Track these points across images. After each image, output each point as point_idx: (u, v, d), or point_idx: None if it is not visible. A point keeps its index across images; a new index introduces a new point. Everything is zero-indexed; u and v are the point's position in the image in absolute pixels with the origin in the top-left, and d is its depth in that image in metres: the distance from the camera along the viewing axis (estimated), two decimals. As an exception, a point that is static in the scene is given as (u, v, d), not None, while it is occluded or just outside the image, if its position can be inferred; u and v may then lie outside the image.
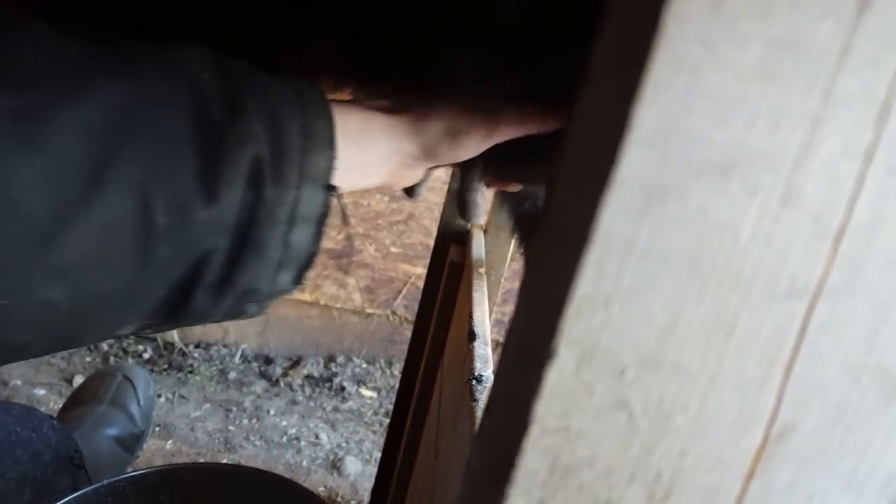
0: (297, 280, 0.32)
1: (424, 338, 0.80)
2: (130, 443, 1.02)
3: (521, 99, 0.39)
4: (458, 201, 0.44)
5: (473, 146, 0.38)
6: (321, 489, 1.12)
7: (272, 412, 1.26)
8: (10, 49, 0.25)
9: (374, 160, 0.35)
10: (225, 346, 1.40)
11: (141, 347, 1.36)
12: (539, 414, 0.16)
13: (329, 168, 0.31)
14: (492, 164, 0.43)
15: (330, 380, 1.36)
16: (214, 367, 1.35)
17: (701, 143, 0.14)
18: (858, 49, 0.14)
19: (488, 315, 0.62)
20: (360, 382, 1.37)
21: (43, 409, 1.05)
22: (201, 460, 1.11)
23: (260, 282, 0.30)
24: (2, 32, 0.25)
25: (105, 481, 0.70)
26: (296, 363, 1.39)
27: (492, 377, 0.52)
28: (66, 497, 0.68)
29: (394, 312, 1.39)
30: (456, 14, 0.36)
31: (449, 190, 0.78)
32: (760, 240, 0.15)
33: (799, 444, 0.17)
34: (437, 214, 0.90)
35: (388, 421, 0.96)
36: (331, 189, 0.31)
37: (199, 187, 0.27)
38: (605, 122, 0.15)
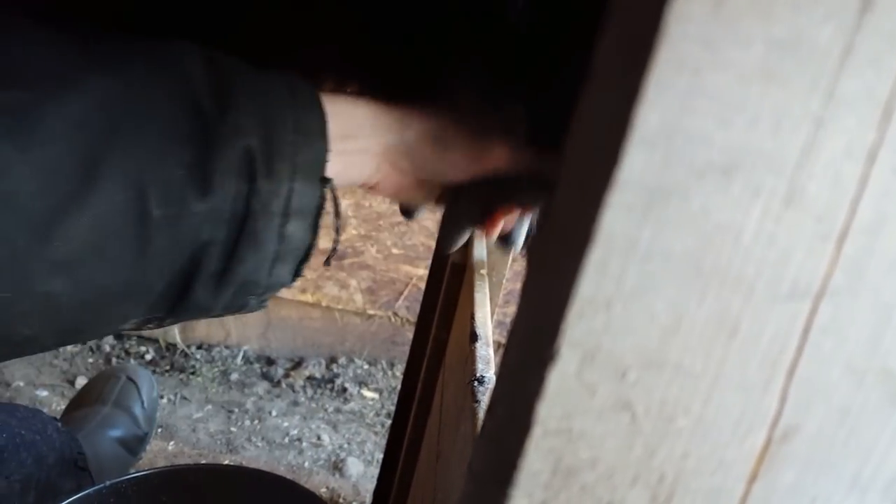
0: (296, 273, 0.33)
1: (426, 339, 0.80)
2: (134, 444, 1.02)
3: (516, 129, 0.39)
4: (440, 230, 0.43)
5: (458, 163, 0.38)
6: (323, 490, 1.12)
7: (274, 413, 1.26)
8: (2, 47, 0.25)
9: (360, 149, 0.35)
10: (227, 347, 1.40)
11: (143, 348, 1.36)
12: (541, 415, 0.16)
13: (322, 161, 0.31)
14: (481, 203, 0.42)
15: (332, 381, 1.36)
16: (216, 369, 1.35)
17: (703, 143, 0.14)
18: (860, 50, 0.14)
19: (490, 316, 0.62)
20: (361, 383, 1.37)
21: (45, 410, 1.05)
22: (203, 461, 1.11)
23: (258, 274, 0.31)
24: None
25: (108, 482, 0.70)
26: (297, 364, 1.39)
27: (494, 378, 0.52)
28: (69, 498, 0.68)
29: (395, 314, 1.39)
30: (461, 14, 0.36)
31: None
32: (763, 241, 0.15)
33: (802, 446, 0.17)
34: (439, 216, 0.89)
35: (389, 422, 0.96)
36: (325, 182, 0.31)
37: (192, 180, 0.27)
38: (607, 122, 0.15)
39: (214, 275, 0.30)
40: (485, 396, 0.50)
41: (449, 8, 0.37)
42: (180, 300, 0.30)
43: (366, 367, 1.41)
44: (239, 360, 1.38)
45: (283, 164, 0.29)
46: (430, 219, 1.31)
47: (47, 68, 0.25)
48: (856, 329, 0.16)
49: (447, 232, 0.43)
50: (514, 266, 0.80)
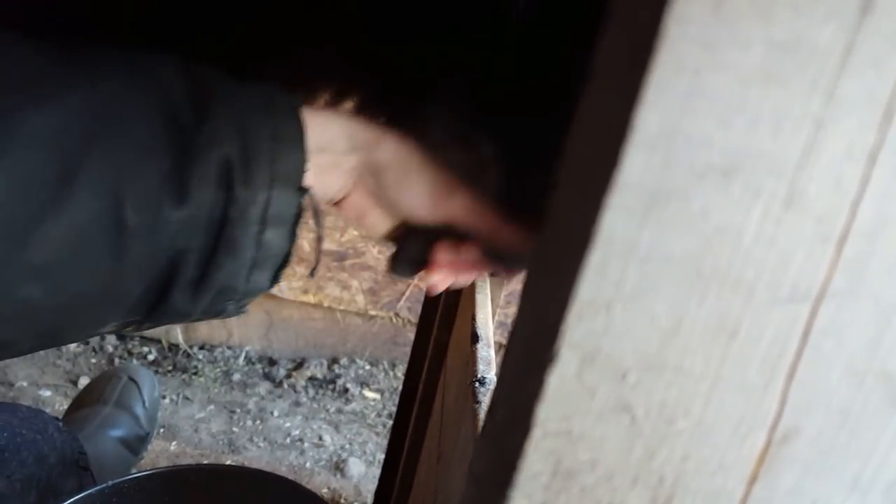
0: (274, 279, 0.33)
1: (427, 340, 0.80)
2: (135, 444, 1.03)
3: (487, 178, 0.39)
4: (391, 260, 0.43)
5: (418, 198, 0.38)
6: (325, 490, 1.12)
7: (276, 414, 1.27)
8: None
9: (331, 163, 0.36)
10: (229, 347, 1.40)
11: (146, 349, 1.37)
12: (541, 417, 0.16)
13: (300, 169, 0.31)
14: (423, 253, 0.42)
15: (333, 381, 1.36)
16: (218, 369, 1.35)
17: (703, 145, 0.14)
18: (861, 51, 0.14)
19: (491, 317, 0.62)
20: (363, 384, 1.37)
21: (48, 410, 1.05)
22: (205, 461, 1.11)
23: (236, 280, 0.31)
24: None
25: (109, 482, 0.70)
26: (299, 365, 1.39)
27: (495, 379, 0.52)
28: (71, 498, 0.68)
29: (397, 314, 1.39)
30: (463, 13, 0.36)
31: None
32: (763, 243, 0.15)
33: (802, 448, 0.17)
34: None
35: (391, 423, 0.96)
36: (303, 191, 0.32)
37: (168, 188, 0.28)
38: (607, 124, 0.15)
39: (192, 281, 0.30)
40: (486, 397, 0.50)
41: (450, 7, 0.37)
42: (158, 305, 0.30)
43: (367, 367, 1.41)
44: (241, 360, 1.38)
45: (260, 172, 0.30)
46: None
47: (26, 79, 0.26)
48: (856, 331, 0.15)
49: (391, 270, 0.43)
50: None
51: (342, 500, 1.11)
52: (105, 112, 0.27)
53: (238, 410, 1.26)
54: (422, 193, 0.38)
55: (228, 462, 1.14)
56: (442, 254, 0.41)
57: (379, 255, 1.34)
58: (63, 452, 0.78)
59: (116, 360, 1.33)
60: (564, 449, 0.16)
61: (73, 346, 1.33)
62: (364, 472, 1.17)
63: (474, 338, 0.57)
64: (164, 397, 1.24)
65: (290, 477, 0.81)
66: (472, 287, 0.65)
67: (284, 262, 0.33)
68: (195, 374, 1.33)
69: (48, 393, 1.23)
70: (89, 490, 0.69)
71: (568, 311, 0.15)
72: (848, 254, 0.15)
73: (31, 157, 0.25)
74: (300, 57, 0.41)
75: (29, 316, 0.27)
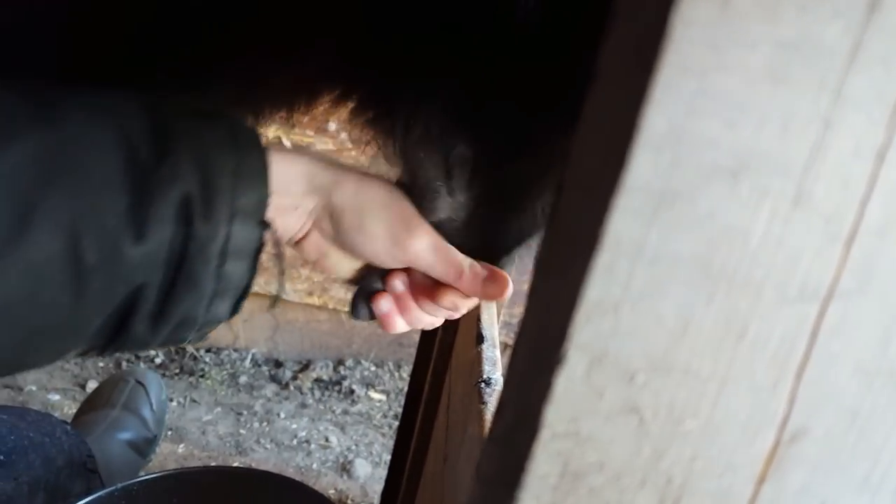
0: (234, 309, 0.34)
1: (432, 341, 0.80)
2: (143, 447, 1.03)
3: (449, 224, 0.39)
4: (352, 299, 0.43)
5: (376, 241, 0.38)
6: (331, 492, 1.12)
7: (282, 415, 1.27)
8: None
9: (291, 205, 0.36)
10: (235, 350, 1.40)
11: (153, 352, 1.37)
12: (549, 419, 0.16)
13: (262, 204, 0.32)
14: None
15: (339, 383, 1.37)
16: (225, 371, 1.36)
17: (710, 146, 0.14)
18: (868, 49, 0.14)
19: (496, 317, 0.62)
20: (368, 385, 1.37)
21: (57, 413, 1.06)
22: (213, 463, 1.12)
23: (195, 312, 0.32)
24: None
25: (119, 485, 0.70)
26: (305, 367, 1.40)
27: (500, 380, 0.52)
28: (80, 501, 0.68)
29: (403, 315, 1.39)
30: (466, 13, 0.36)
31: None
32: (771, 243, 0.15)
33: (811, 448, 0.16)
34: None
35: (397, 423, 0.96)
36: (264, 225, 0.32)
37: (127, 226, 0.28)
38: (614, 126, 0.15)
39: (151, 314, 0.31)
40: (492, 398, 0.50)
41: (454, 6, 0.36)
42: (119, 334, 0.31)
43: (373, 368, 1.41)
44: (247, 362, 1.39)
45: (221, 208, 0.30)
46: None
47: None
48: (865, 331, 0.15)
49: (350, 312, 0.44)
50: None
51: (349, 501, 1.11)
52: (64, 152, 0.27)
53: (245, 412, 1.26)
54: (380, 236, 0.38)
55: (236, 464, 1.14)
56: (394, 287, 0.41)
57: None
58: (71, 455, 0.79)
59: (124, 364, 1.34)
60: (573, 450, 0.16)
61: (80, 349, 1.33)
62: (370, 472, 1.17)
63: (479, 338, 0.57)
64: (171, 400, 1.25)
65: (297, 478, 0.81)
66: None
67: (245, 292, 0.33)
68: (202, 376, 1.33)
69: (56, 397, 1.23)
70: (99, 492, 0.69)
71: (576, 312, 0.15)
72: (856, 253, 0.15)
73: None
74: (302, 56, 0.41)
75: None
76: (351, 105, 0.41)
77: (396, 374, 1.41)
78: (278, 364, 1.40)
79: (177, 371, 1.34)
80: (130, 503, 0.71)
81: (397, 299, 0.42)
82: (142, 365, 1.33)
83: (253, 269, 0.33)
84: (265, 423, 1.25)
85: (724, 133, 0.14)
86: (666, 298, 0.15)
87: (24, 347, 0.29)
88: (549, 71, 0.36)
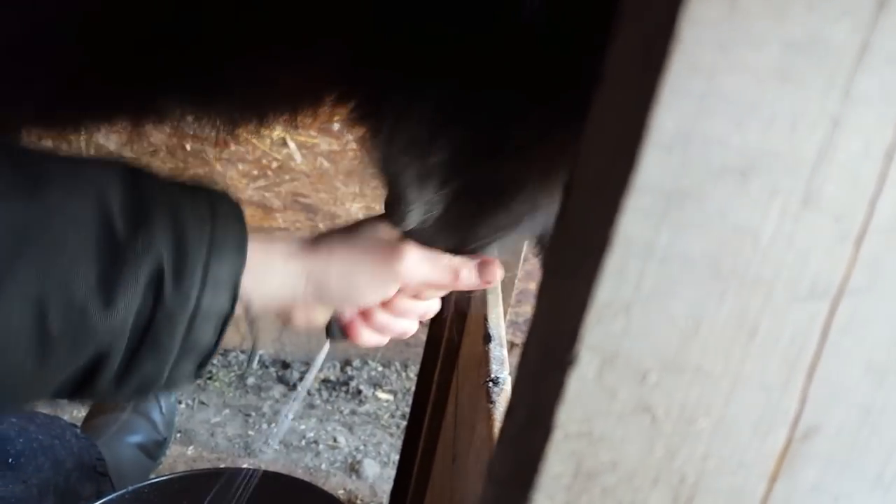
0: (199, 370, 0.34)
1: (439, 340, 0.80)
2: (153, 449, 1.03)
3: (435, 179, 0.39)
4: (328, 324, 0.45)
5: (362, 287, 0.39)
6: (340, 492, 1.12)
7: (290, 416, 1.27)
8: None
9: (269, 294, 0.37)
10: (243, 351, 1.41)
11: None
12: (562, 419, 0.16)
13: (235, 275, 0.33)
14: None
15: (346, 383, 1.37)
16: (233, 373, 1.36)
17: (719, 146, 0.14)
18: (877, 48, 0.14)
19: (503, 316, 0.62)
20: (376, 385, 1.38)
21: (66, 417, 1.06)
22: (222, 465, 1.12)
23: (159, 373, 0.32)
24: None
25: (130, 488, 0.71)
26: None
27: (508, 379, 0.52)
28: (91, 503, 0.69)
29: (409, 315, 1.39)
30: (470, 12, 0.36)
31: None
32: (781, 242, 0.15)
33: (823, 445, 0.17)
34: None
35: (404, 423, 0.96)
36: (236, 293, 0.33)
37: (96, 296, 0.29)
38: (622, 126, 0.15)
39: (115, 376, 0.31)
40: (500, 397, 0.50)
41: (461, 6, 0.36)
42: (84, 389, 0.32)
43: (380, 368, 1.42)
44: (255, 364, 1.39)
45: (193, 278, 0.31)
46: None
47: None
48: (875, 328, 0.15)
49: (327, 335, 0.45)
50: (526, 265, 0.79)
51: (358, 501, 1.12)
52: (37, 226, 0.28)
53: (253, 414, 1.27)
54: (370, 283, 0.40)
55: (245, 465, 1.14)
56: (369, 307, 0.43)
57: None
58: (80, 458, 0.79)
59: (131, 366, 1.34)
60: (585, 450, 0.16)
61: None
62: (379, 472, 1.18)
63: (487, 337, 0.57)
64: (180, 402, 1.25)
65: (306, 479, 0.81)
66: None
67: (210, 355, 0.34)
68: (210, 378, 1.34)
69: (65, 400, 1.24)
70: (110, 495, 0.70)
71: (587, 313, 0.15)
72: (866, 251, 0.15)
73: None
74: (307, 57, 0.41)
75: None
76: (350, 105, 0.42)
77: (404, 374, 1.41)
78: (285, 365, 1.40)
79: (185, 373, 1.34)
80: (141, 505, 0.71)
81: (360, 311, 0.44)
82: (150, 368, 1.34)
83: (220, 336, 0.33)
84: (273, 425, 1.25)
85: (733, 133, 0.14)
86: (677, 298, 0.15)
87: None
88: (551, 68, 0.36)
